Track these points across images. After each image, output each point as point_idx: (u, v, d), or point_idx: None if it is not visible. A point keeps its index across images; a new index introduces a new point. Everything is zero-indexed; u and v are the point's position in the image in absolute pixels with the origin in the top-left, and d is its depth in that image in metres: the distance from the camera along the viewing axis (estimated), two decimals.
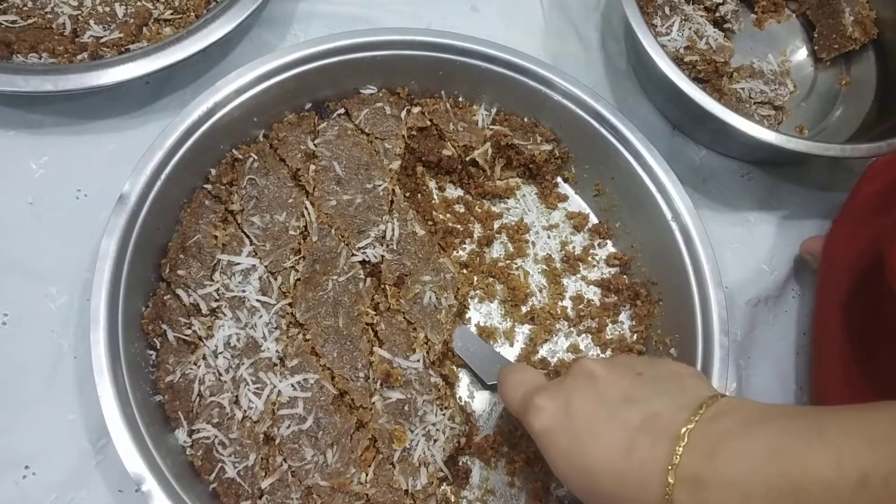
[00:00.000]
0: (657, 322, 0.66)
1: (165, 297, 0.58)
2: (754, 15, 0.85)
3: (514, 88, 0.68)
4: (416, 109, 0.68)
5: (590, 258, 0.70)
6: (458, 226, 0.68)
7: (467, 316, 0.66)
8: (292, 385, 0.56)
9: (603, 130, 0.67)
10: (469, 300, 0.66)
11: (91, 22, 0.67)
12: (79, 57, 0.66)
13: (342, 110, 0.67)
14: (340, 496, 0.54)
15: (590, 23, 0.82)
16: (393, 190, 0.64)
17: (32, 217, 0.63)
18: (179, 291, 0.58)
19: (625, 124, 0.66)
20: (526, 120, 0.70)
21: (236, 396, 0.56)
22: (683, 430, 0.41)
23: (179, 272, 0.59)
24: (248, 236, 0.61)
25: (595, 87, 0.76)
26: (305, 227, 0.62)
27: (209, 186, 0.63)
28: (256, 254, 0.61)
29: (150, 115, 0.69)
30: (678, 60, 0.75)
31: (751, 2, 0.86)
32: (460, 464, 0.60)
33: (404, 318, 0.60)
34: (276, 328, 0.58)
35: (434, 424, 0.57)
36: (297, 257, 0.61)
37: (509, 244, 0.70)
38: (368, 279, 0.61)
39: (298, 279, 0.60)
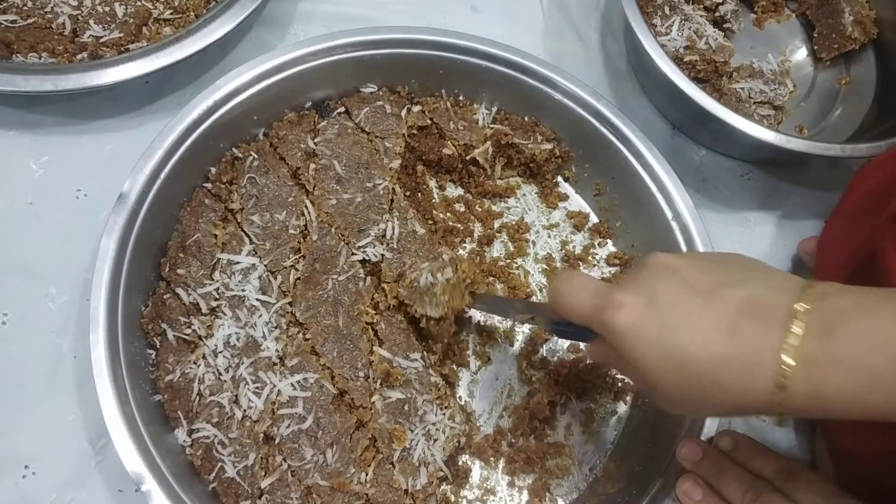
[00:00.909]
0: None
1: (165, 297, 0.58)
2: (754, 15, 0.85)
3: (515, 87, 0.68)
4: (416, 108, 0.68)
5: (590, 258, 0.70)
6: (459, 225, 0.68)
7: (467, 315, 0.66)
8: (292, 384, 0.56)
9: (604, 130, 0.67)
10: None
11: (91, 22, 0.67)
12: (78, 57, 0.65)
13: (342, 109, 0.67)
14: (340, 496, 0.54)
15: (590, 23, 0.82)
16: (393, 189, 0.64)
17: (32, 217, 0.63)
18: (179, 290, 0.58)
19: (625, 124, 0.66)
20: (526, 119, 0.70)
21: (236, 396, 0.56)
22: (800, 308, 0.38)
23: (179, 271, 0.59)
24: (247, 235, 0.61)
25: (595, 86, 0.75)
26: (305, 225, 0.62)
27: (209, 185, 0.63)
28: (256, 253, 0.61)
29: (149, 115, 0.69)
30: (678, 60, 0.74)
31: (751, 2, 0.86)
32: (460, 463, 0.60)
33: (403, 310, 0.60)
34: (275, 327, 0.58)
35: (434, 424, 0.57)
36: (296, 256, 0.61)
37: (510, 243, 0.70)
38: (368, 278, 0.61)
39: (298, 278, 0.60)
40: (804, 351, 0.38)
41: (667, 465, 0.56)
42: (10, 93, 0.61)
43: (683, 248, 0.63)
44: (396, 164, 0.65)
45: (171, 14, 0.70)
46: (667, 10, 0.77)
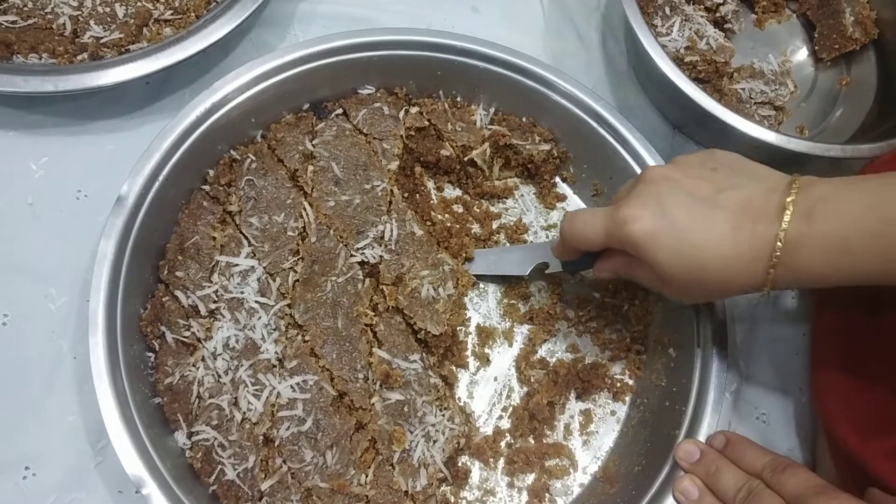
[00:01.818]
0: (656, 321, 0.66)
1: (164, 299, 0.58)
2: (755, 15, 0.85)
3: (513, 88, 0.68)
4: (414, 109, 0.68)
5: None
6: (457, 226, 0.68)
7: (466, 315, 0.66)
8: (291, 386, 0.56)
9: (601, 130, 0.67)
10: (467, 300, 0.66)
11: (91, 22, 0.67)
12: (79, 57, 0.65)
13: (340, 111, 0.67)
14: (340, 498, 0.54)
15: (590, 23, 0.82)
16: (391, 190, 0.64)
17: (32, 218, 0.63)
18: (178, 293, 0.58)
19: (623, 124, 0.66)
20: (524, 120, 0.70)
21: (235, 398, 0.56)
22: (789, 200, 0.45)
23: (178, 274, 0.59)
24: (246, 237, 0.61)
25: (595, 87, 0.76)
26: (304, 227, 0.62)
27: (207, 188, 0.63)
28: (255, 255, 0.61)
29: (150, 116, 0.69)
30: (678, 61, 0.74)
31: (751, 2, 0.85)
32: (460, 464, 0.60)
33: (402, 313, 0.60)
34: (274, 329, 0.58)
35: (433, 425, 0.57)
36: (295, 258, 0.61)
37: (508, 244, 0.70)
38: (367, 280, 0.61)
39: (297, 280, 0.60)
40: (790, 234, 0.45)
41: (665, 465, 0.56)
42: (11, 93, 0.61)
43: None
44: (394, 165, 0.65)
45: (172, 15, 0.70)
46: (667, 10, 0.77)
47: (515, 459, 0.60)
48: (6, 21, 0.65)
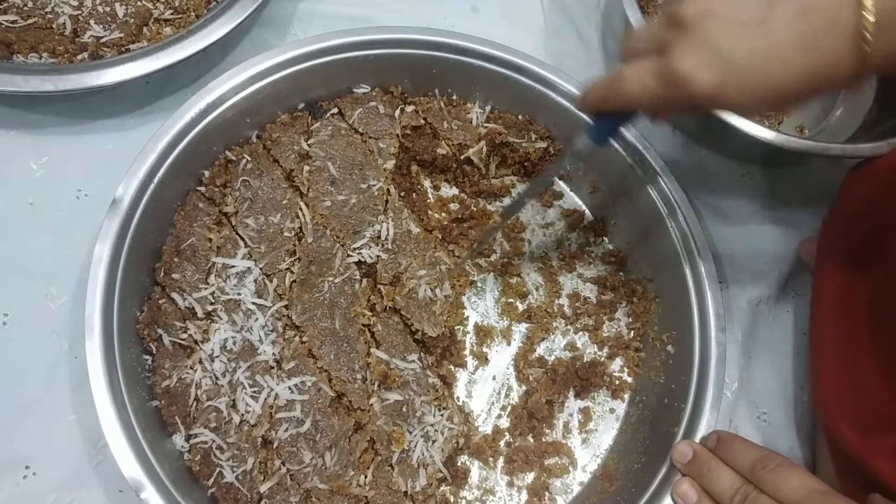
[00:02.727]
0: (654, 319, 0.66)
1: (160, 301, 0.58)
2: None
3: (508, 86, 0.68)
4: (409, 108, 0.68)
5: (586, 256, 0.70)
6: (454, 224, 0.68)
7: (464, 315, 0.66)
8: (289, 388, 0.56)
9: None
10: (465, 299, 0.66)
11: (91, 22, 0.67)
12: (79, 57, 0.65)
13: (335, 110, 0.67)
14: (339, 499, 0.54)
15: (590, 22, 0.82)
16: (388, 189, 0.64)
17: (33, 217, 0.63)
18: (174, 295, 0.58)
19: None
20: (520, 118, 0.70)
21: (233, 400, 0.56)
22: None
23: (174, 276, 0.59)
24: (242, 238, 0.61)
25: None
26: (300, 228, 0.62)
27: (202, 189, 0.62)
28: (251, 256, 0.60)
29: (150, 115, 0.69)
30: None
31: None
32: (459, 464, 0.60)
33: (399, 314, 0.60)
34: (272, 331, 0.58)
35: (432, 425, 0.57)
36: (292, 259, 0.61)
37: (505, 242, 0.69)
38: (364, 280, 0.61)
39: (294, 281, 0.60)
40: (880, 6, 0.38)
41: (664, 462, 0.56)
42: (11, 93, 0.60)
43: (679, 244, 0.63)
44: (391, 164, 0.65)
45: (172, 14, 0.70)
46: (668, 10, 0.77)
47: (515, 458, 0.60)
48: (6, 21, 0.65)
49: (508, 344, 0.66)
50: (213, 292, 0.59)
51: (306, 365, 0.57)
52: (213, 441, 0.54)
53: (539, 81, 0.67)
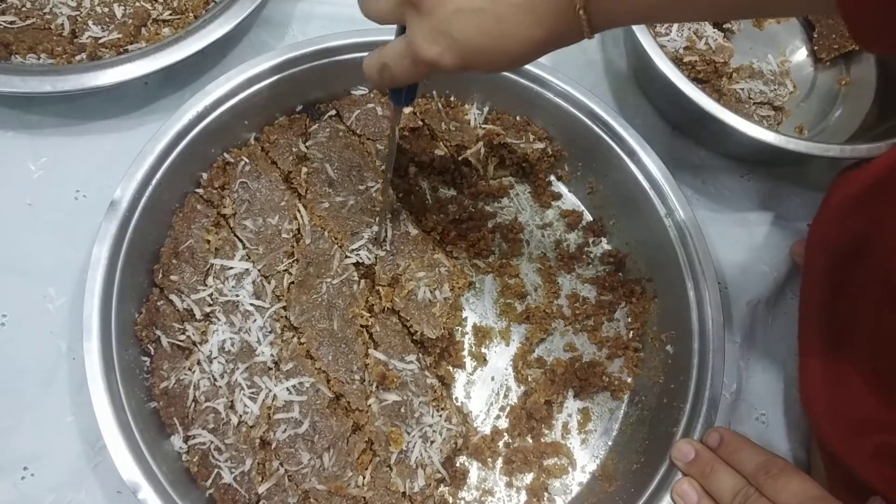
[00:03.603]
0: (653, 319, 0.66)
1: (159, 303, 0.58)
2: None
3: (506, 87, 0.68)
4: (407, 109, 0.68)
5: (584, 256, 0.70)
6: (452, 225, 0.68)
7: (463, 316, 0.66)
8: (287, 389, 0.56)
9: (596, 128, 0.67)
10: (463, 300, 0.66)
11: (90, 22, 0.67)
12: (77, 57, 0.65)
13: (333, 112, 0.67)
14: (338, 500, 0.54)
15: None
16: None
17: (31, 218, 0.63)
18: (173, 297, 0.58)
19: (618, 121, 0.66)
20: (518, 118, 0.70)
21: (231, 401, 0.56)
22: None
23: (172, 277, 0.59)
24: (240, 240, 0.61)
25: (594, 87, 0.75)
26: (298, 229, 0.62)
27: (201, 191, 0.63)
28: (249, 257, 0.61)
29: (148, 116, 0.69)
30: (677, 61, 0.74)
31: None
32: (458, 465, 0.60)
33: (398, 315, 0.60)
34: (270, 332, 0.58)
35: (431, 426, 0.57)
36: (290, 260, 0.61)
37: (503, 243, 0.69)
38: (362, 281, 0.61)
39: (292, 282, 0.60)
40: None
41: (664, 462, 0.56)
42: (9, 94, 0.61)
43: (678, 244, 0.63)
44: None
45: (170, 15, 0.70)
46: None
47: (514, 459, 0.60)
48: (4, 21, 0.65)
49: (507, 344, 0.66)
50: (212, 294, 0.59)
51: (304, 366, 0.57)
52: (212, 442, 0.54)
53: (536, 82, 0.67)
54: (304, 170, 0.64)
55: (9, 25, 0.65)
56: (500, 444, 0.61)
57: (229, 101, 0.62)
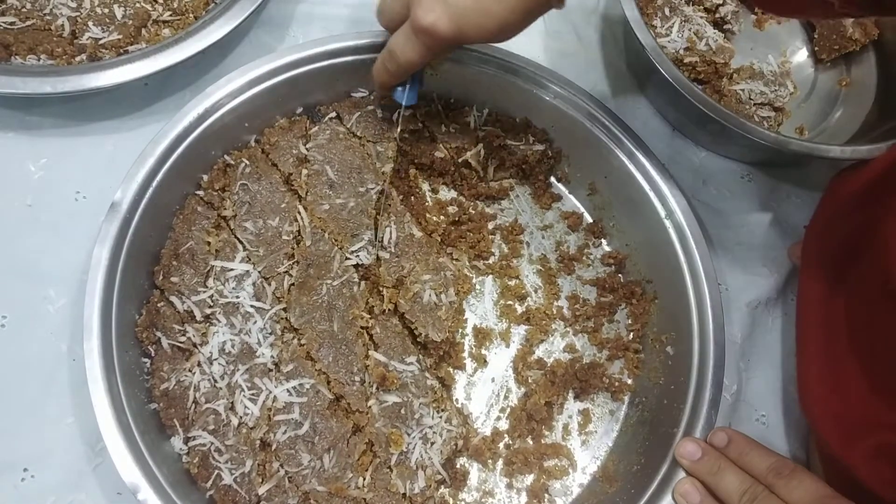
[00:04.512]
0: (653, 320, 0.66)
1: (159, 305, 0.58)
2: (754, 16, 0.85)
3: (506, 89, 0.68)
4: (407, 112, 0.68)
5: (585, 257, 0.70)
6: (452, 227, 0.68)
7: (464, 317, 0.66)
8: (288, 390, 0.56)
9: (595, 129, 0.67)
10: (465, 302, 0.66)
11: (90, 23, 0.67)
12: (77, 58, 0.66)
13: (334, 114, 0.67)
14: (338, 501, 0.54)
15: (589, 24, 0.82)
16: (390, 192, 0.64)
17: (31, 219, 0.63)
18: (173, 298, 0.58)
19: (617, 122, 0.66)
20: (518, 120, 0.70)
21: (232, 403, 0.56)
22: None
23: (173, 279, 0.59)
24: (241, 242, 0.61)
25: (594, 88, 0.76)
26: (298, 231, 0.62)
27: (201, 192, 0.63)
28: (250, 259, 0.61)
29: (149, 117, 0.69)
30: (678, 61, 0.74)
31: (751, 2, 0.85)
32: (458, 466, 0.60)
33: (404, 317, 0.60)
34: (270, 333, 0.58)
35: (431, 427, 0.57)
36: (290, 262, 0.61)
37: (504, 245, 0.69)
38: (363, 282, 0.61)
39: (292, 284, 0.60)
40: None
41: (664, 463, 0.56)
42: (9, 95, 0.61)
43: (678, 245, 0.63)
44: (389, 168, 0.65)
45: (171, 16, 0.70)
46: (667, 11, 0.77)
47: (514, 460, 0.60)
48: (4, 22, 0.65)
49: (507, 346, 0.66)
50: (212, 295, 0.59)
51: (305, 367, 0.57)
52: (212, 443, 0.54)
53: (536, 84, 0.67)
54: (305, 172, 0.64)
55: (9, 26, 0.66)
56: (501, 445, 0.61)
57: (230, 103, 0.62)
